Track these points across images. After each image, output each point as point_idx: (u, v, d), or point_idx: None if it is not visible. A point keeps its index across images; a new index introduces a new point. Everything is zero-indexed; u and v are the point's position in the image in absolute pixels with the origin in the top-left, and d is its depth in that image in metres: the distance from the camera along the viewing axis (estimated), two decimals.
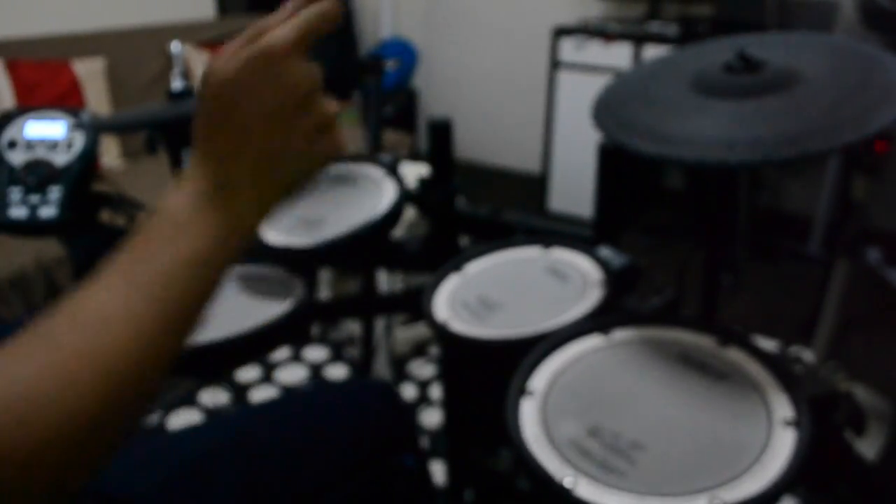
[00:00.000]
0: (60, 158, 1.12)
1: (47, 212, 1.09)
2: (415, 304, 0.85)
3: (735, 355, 0.69)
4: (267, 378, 1.94)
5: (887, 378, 1.44)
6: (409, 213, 1.64)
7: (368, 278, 1.45)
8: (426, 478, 0.82)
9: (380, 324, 1.70)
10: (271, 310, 0.85)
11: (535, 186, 3.15)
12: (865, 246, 1.50)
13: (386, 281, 1.87)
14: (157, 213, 0.43)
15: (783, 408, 0.62)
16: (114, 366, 0.38)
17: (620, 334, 0.74)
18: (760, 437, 0.59)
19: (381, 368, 1.90)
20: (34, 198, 1.10)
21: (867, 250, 1.49)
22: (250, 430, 0.76)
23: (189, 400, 1.83)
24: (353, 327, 2.08)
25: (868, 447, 1.12)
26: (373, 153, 1.61)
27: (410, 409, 1.77)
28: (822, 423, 0.69)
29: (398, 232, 1.39)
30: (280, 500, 0.70)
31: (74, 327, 0.39)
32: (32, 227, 1.10)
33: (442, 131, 1.14)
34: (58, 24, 2.60)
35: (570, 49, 2.85)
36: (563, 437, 0.61)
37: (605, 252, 0.89)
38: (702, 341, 0.72)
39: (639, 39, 2.71)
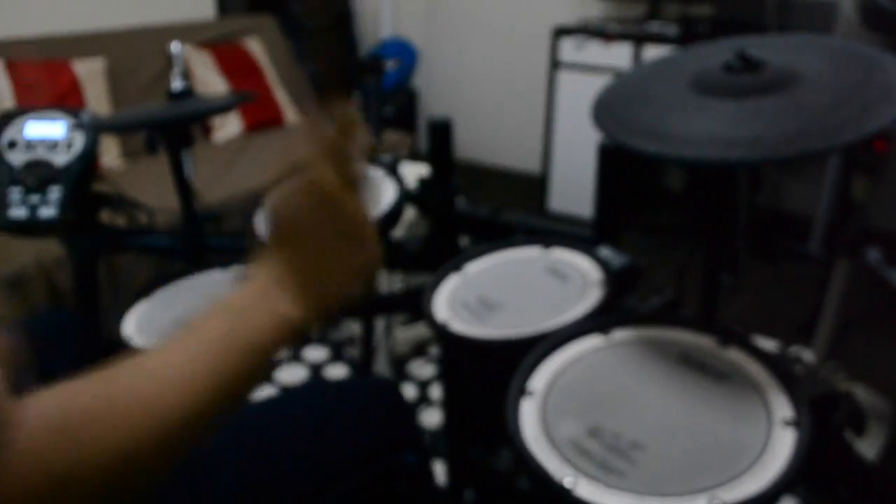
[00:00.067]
0: (60, 158, 1.12)
1: (47, 212, 1.09)
2: (415, 304, 0.85)
3: (735, 355, 0.69)
4: (267, 378, 1.95)
5: (887, 378, 1.44)
6: (409, 213, 1.64)
7: None
8: (428, 475, 0.82)
9: (380, 324, 1.70)
10: None
11: (535, 186, 3.15)
12: (865, 246, 1.50)
13: (386, 281, 1.87)
14: (222, 303, 0.51)
15: (783, 408, 0.62)
16: (168, 416, 0.44)
17: (620, 334, 0.74)
18: (760, 437, 0.59)
19: (381, 368, 1.90)
20: (34, 198, 1.10)
21: (867, 250, 1.49)
22: (252, 427, 0.76)
23: None
24: (353, 327, 2.08)
25: (868, 447, 1.12)
26: (373, 153, 1.60)
27: (412, 407, 1.77)
28: (822, 423, 0.69)
29: (398, 232, 1.39)
30: (282, 498, 0.70)
31: (141, 376, 0.45)
32: (32, 227, 1.10)
33: (442, 131, 1.14)
34: (58, 24, 2.60)
35: (570, 49, 2.85)
36: (563, 437, 0.61)
37: (605, 252, 0.89)
38: (702, 341, 0.72)
39: (639, 39, 2.71)
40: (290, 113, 3.07)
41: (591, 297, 0.82)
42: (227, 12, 3.29)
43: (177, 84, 1.17)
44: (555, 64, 2.90)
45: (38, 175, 1.10)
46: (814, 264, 2.32)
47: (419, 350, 2.06)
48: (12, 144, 1.12)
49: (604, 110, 0.77)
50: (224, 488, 0.68)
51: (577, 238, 0.94)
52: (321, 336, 2.12)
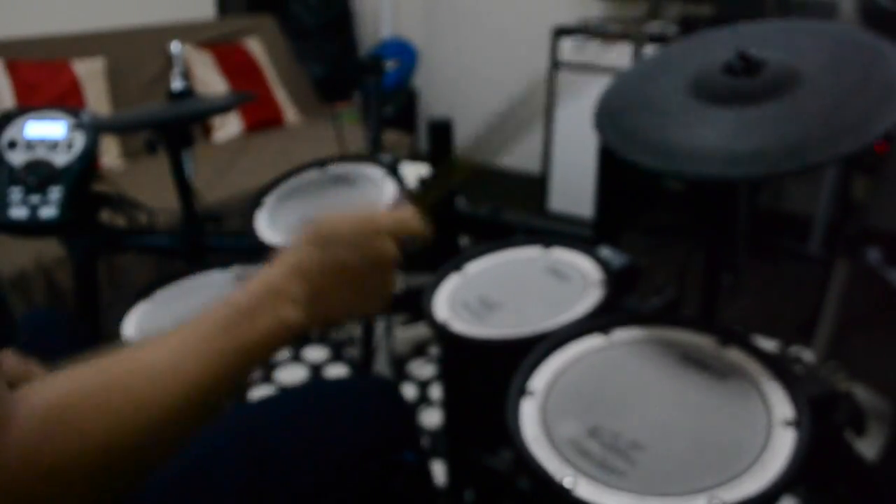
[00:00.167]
0: (60, 158, 1.12)
1: (47, 212, 1.09)
2: (415, 304, 0.85)
3: (735, 355, 0.69)
4: (267, 378, 1.94)
5: (887, 378, 1.44)
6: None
7: None
8: (426, 474, 0.82)
9: (380, 324, 1.70)
10: None
11: (535, 186, 3.15)
12: (865, 246, 1.50)
13: None
14: (231, 297, 0.52)
15: (783, 408, 0.62)
16: (156, 410, 0.44)
17: (621, 334, 0.74)
18: (760, 437, 0.59)
19: (381, 368, 1.90)
20: (34, 198, 1.10)
21: (867, 250, 1.49)
22: (252, 426, 0.76)
23: None
24: (353, 327, 2.08)
25: (868, 447, 1.12)
26: (373, 153, 1.60)
27: (411, 406, 1.77)
28: (822, 423, 0.69)
29: None
30: (282, 496, 0.70)
31: (131, 369, 0.45)
32: (32, 227, 1.10)
33: (442, 131, 1.14)
34: (58, 24, 2.60)
35: (570, 49, 2.85)
36: (563, 437, 0.61)
37: (605, 252, 0.89)
38: (702, 341, 0.72)
39: (639, 39, 2.71)
40: (290, 113, 3.07)
41: (591, 297, 0.82)
42: (227, 12, 3.29)
43: (177, 84, 1.17)
44: (555, 64, 2.90)
45: (39, 175, 1.10)
46: (814, 264, 2.32)
47: (419, 350, 2.06)
48: (12, 144, 1.12)
49: (605, 119, 0.77)
50: (224, 487, 0.68)
51: (577, 238, 0.94)
52: (321, 336, 2.12)
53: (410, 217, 0.60)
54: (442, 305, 0.84)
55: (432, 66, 3.78)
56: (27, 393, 0.40)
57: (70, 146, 1.13)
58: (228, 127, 2.86)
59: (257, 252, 1.00)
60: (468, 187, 1.25)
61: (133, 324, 0.94)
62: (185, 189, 1.20)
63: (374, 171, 1.10)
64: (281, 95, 3.06)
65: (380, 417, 0.80)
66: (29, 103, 2.26)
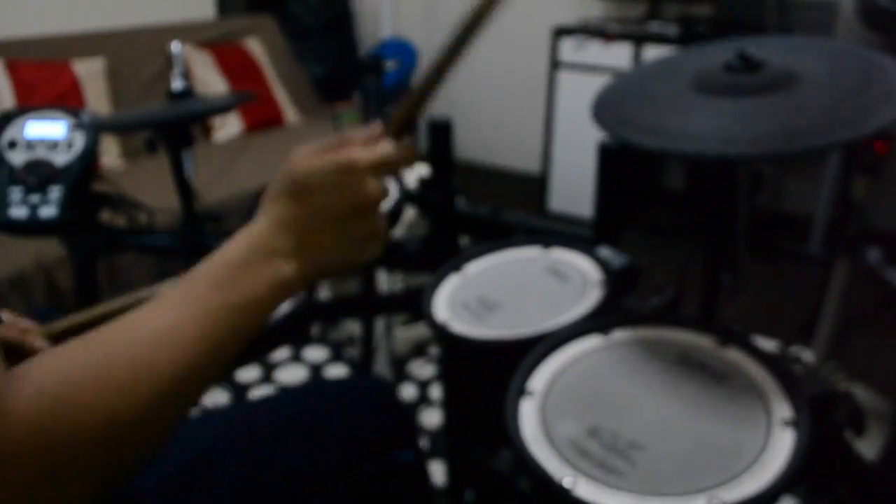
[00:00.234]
0: (60, 158, 1.12)
1: (47, 212, 1.09)
2: (415, 304, 0.85)
3: (735, 355, 0.69)
4: (267, 378, 1.95)
5: (887, 378, 1.44)
6: (409, 213, 1.64)
7: (368, 278, 1.45)
8: (423, 474, 0.82)
9: (380, 324, 1.70)
10: None
11: (535, 186, 3.15)
12: (865, 246, 1.50)
13: (386, 281, 1.87)
14: (218, 255, 0.50)
15: (782, 408, 0.62)
16: (158, 379, 0.43)
17: (620, 334, 0.74)
18: (760, 437, 0.59)
19: (381, 368, 1.90)
20: (34, 198, 1.10)
21: (867, 250, 1.49)
22: (249, 425, 0.76)
23: None
24: (353, 327, 2.08)
25: (868, 447, 1.12)
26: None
27: (408, 406, 1.77)
28: (822, 423, 0.69)
29: (398, 232, 1.39)
30: (278, 496, 0.70)
31: (130, 340, 0.44)
32: (32, 227, 1.10)
33: (442, 131, 1.14)
34: (58, 24, 2.60)
35: (570, 49, 2.85)
36: (563, 437, 0.61)
37: (605, 252, 0.89)
38: (702, 341, 0.72)
39: (639, 39, 2.71)
40: (290, 113, 3.07)
41: (591, 297, 0.82)
42: (227, 12, 3.29)
43: (177, 84, 1.17)
44: (555, 64, 2.90)
45: (39, 175, 1.11)
46: (814, 264, 2.32)
47: (419, 350, 2.06)
48: (12, 144, 1.12)
49: (604, 108, 0.77)
50: (223, 484, 0.69)
51: (577, 238, 0.94)
52: (321, 336, 2.12)
53: (387, 148, 0.55)
54: (442, 306, 0.84)
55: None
56: (28, 370, 0.40)
57: (70, 146, 1.13)
58: (228, 127, 2.86)
59: None
60: (468, 187, 1.25)
61: None
62: (185, 189, 1.20)
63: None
64: (281, 95, 3.06)
65: (376, 417, 0.80)
66: (29, 103, 2.26)
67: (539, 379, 0.69)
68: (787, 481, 0.54)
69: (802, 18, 2.39)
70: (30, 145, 1.13)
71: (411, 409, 1.79)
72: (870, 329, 1.61)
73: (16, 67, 2.37)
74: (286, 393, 0.90)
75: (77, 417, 0.39)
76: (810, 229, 2.44)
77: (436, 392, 1.88)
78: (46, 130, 1.14)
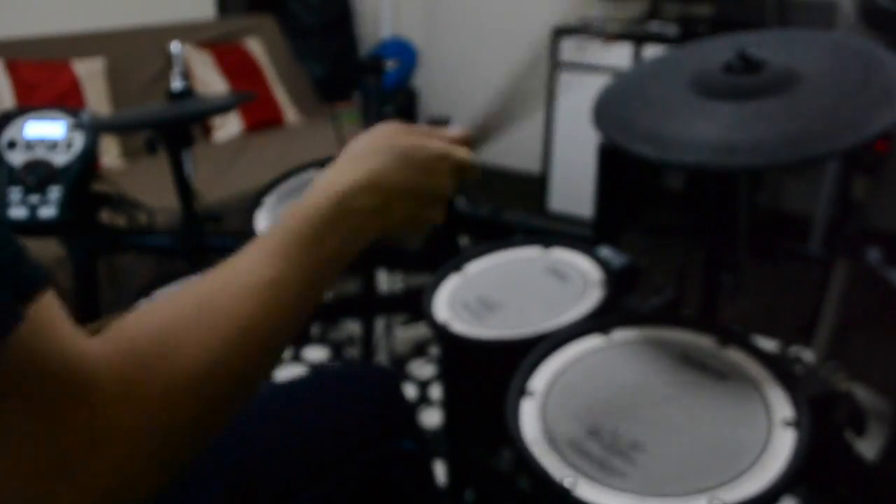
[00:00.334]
0: (60, 158, 1.12)
1: (47, 212, 1.09)
2: (415, 304, 0.85)
3: (735, 355, 0.69)
4: None
5: (887, 378, 1.44)
6: None
7: (368, 278, 1.45)
8: (426, 463, 0.82)
9: (380, 324, 1.70)
10: None
11: (535, 186, 3.15)
12: (865, 246, 1.50)
13: (386, 281, 1.87)
14: (307, 209, 0.51)
15: (783, 408, 0.62)
16: (256, 333, 0.44)
17: (620, 334, 0.74)
18: (760, 437, 0.59)
19: None
20: (34, 198, 1.10)
21: (867, 250, 1.49)
22: (250, 411, 0.76)
23: None
24: (353, 327, 2.08)
25: (868, 447, 1.12)
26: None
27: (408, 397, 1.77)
28: (822, 423, 0.69)
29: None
30: (278, 484, 0.70)
31: (229, 294, 0.45)
32: (32, 228, 1.10)
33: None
34: (58, 24, 2.60)
35: (570, 49, 2.85)
36: (563, 437, 0.61)
37: (605, 252, 0.89)
38: (702, 341, 0.72)
39: (639, 39, 2.71)
40: (290, 113, 3.07)
41: (591, 297, 0.82)
42: (227, 12, 3.29)
43: (177, 84, 1.17)
44: (555, 64, 2.90)
45: (38, 175, 1.11)
46: (814, 264, 2.32)
47: (419, 350, 2.06)
48: (12, 144, 1.12)
49: (604, 113, 0.77)
50: (222, 471, 0.68)
51: (577, 238, 0.94)
52: (321, 336, 2.13)
53: (469, 153, 0.61)
54: (442, 306, 0.84)
55: (432, 66, 3.77)
56: (121, 327, 0.40)
57: (70, 146, 1.13)
58: (228, 127, 2.86)
59: None
60: (468, 187, 1.25)
61: None
62: (185, 189, 1.20)
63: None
64: (281, 95, 3.06)
65: (378, 405, 0.79)
66: (29, 103, 2.26)
67: (539, 379, 0.69)
68: (788, 481, 0.54)
69: (802, 18, 2.39)
70: (29, 145, 1.13)
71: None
72: (870, 329, 1.61)
73: (16, 67, 2.37)
74: (285, 382, 0.90)
75: (168, 371, 0.39)
76: (810, 229, 2.44)
77: (436, 392, 1.88)
78: (46, 130, 1.14)
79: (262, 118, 2.94)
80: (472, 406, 0.94)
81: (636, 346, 0.72)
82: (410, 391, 1.89)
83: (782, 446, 0.58)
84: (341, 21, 3.69)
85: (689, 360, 0.69)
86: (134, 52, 2.73)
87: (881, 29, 1.53)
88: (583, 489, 0.56)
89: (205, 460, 0.68)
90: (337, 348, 2.06)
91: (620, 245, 0.93)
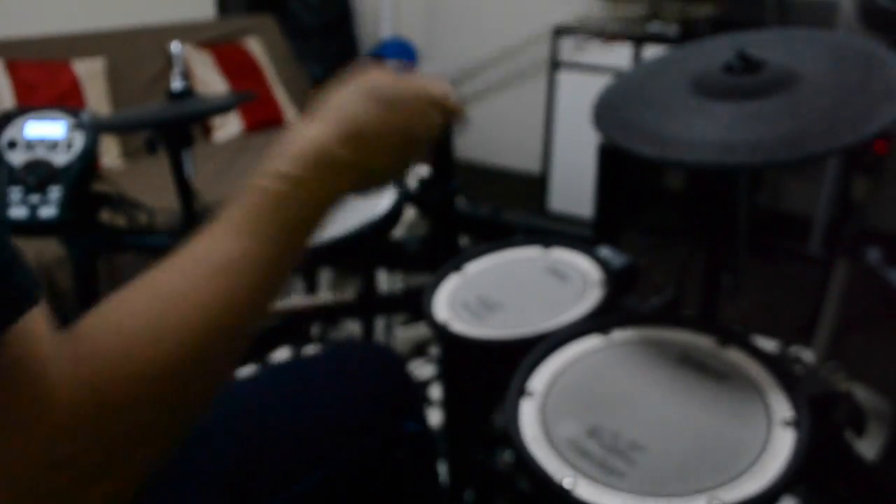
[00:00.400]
0: (60, 158, 1.12)
1: (47, 212, 1.09)
2: (415, 304, 0.85)
3: (735, 355, 0.69)
4: None
5: (887, 378, 1.44)
6: (409, 213, 1.64)
7: (368, 278, 1.45)
8: (430, 444, 0.80)
9: (380, 324, 1.69)
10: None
11: (535, 186, 3.15)
12: (865, 246, 1.50)
13: (386, 281, 1.87)
14: (279, 166, 0.48)
15: (783, 408, 0.62)
16: (217, 315, 0.41)
17: (620, 334, 0.74)
18: (760, 437, 0.59)
19: None
20: (34, 198, 1.10)
21: (867, 250, 1.49)
22: (256, 392, 0.75)
23: None
24: (353, 327, 2.08)
25: (868, 447, 1.12)
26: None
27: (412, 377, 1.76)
28: (822, 423, 0.69)
29: (398, 232, 1.39)
30: (282, 465, 0.69)
31: (185, 277, 0.42)
32: (32, 227, 1.10)
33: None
34: (58, 24, 2.60)
35: (570, 49, 2.85)
36: (563, 437, 0.61)
37: (605, 252, 0.89)
38: (702, 341, 0.72)
39: (639, 39, 2.71)
40: (290, 113, 3.07)
41: (591, 297, 0.82)
42: (227, 12, 3.29)
43: (177, 84, 1.17)
44: (555, 64, 2.90)
45: (38, 175, 1.10)
46: (814, 264, 2.32)
47: (419, 350, 2.07)
48: (12, 144, 1.12)
49: (604, 112, 0.77)
50: (227, 452, 0.68)
51: (577, 238, 0.94)
52: (321, 336, 2.12)
53: (450, 90, 0.59)
54: (442, 305, 0.84)
55: (432, 66, 3.77)
56: (80, 328, 0.38)
57: (70, 146, 1.13)
58: (228, 127, 2.86)
59: None
60: (468, 187, 1.25)
61: None
62: (185, 189, 1.20)
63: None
64: (281, 95, 3.06)
65: (381, 385, 0.78)
66: (29, 103, 2.26)
67: (539, 379, 0.69)
68: (788, 481, 0.54)
69: (803, 18, 2.39)
70: (29, 145, 1.12)
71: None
72: (870, 329, 1.61)
73: (16, 67, 2.37)
74: (287, 363, 0.89)
75: (130, 369, 0.37)
76: (810, 229, 2.44)
77: (436, 392, 1.88)
78: (46, 130, 1.14)
79: (262, 118, 2.94)
80: (471, 406, 0.94)
81: (636, 347, 0.72)
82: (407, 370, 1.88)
83: (782, 446, 0.58)
84: (341, 21, 3.69)
85: (689, 361, 0.69)
86: (134, 52, 2.73)
87: (881, 29, 1.53)
88: (582, 489, 0.56)
89: (209, 441, 0.68)
90: None
91: (620, 245, 0.93)
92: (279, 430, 0.71)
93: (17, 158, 1.11)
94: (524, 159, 3.50)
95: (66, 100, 2.39)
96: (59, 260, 1.82)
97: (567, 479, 0.57)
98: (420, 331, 2.03)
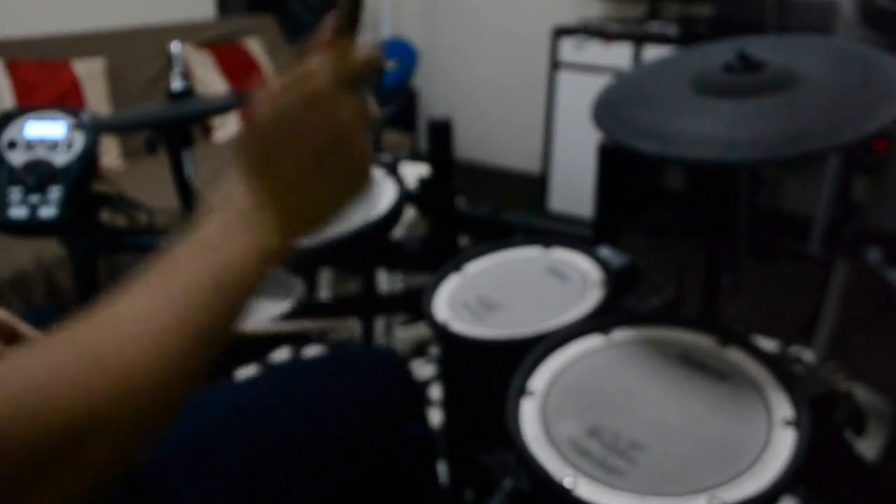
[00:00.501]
0: (60, 158, 1.12)
1: (47, 212, 1.09)
2: (415, 304, 0.85)
3: (735, 355, 0.69)
4: None
5: (887, 378, 1.44)
6: (409, 213, 1.64)
7: (368, 278, 1.45)
8: (432, 447, 0.81)
9: (380, 324, 1.69)
10: (271, 309, 0.85)
11: (535, 186, 3.15)
12: (865, 246, 1.50)
13: (386, 281, 1.87)
14: (189, 231, 0.44)
15: (783, 408, 0.62)
16: (132, 376, 0.39)
17: (620, 334, 0.74)
18: (760, 437, 0.59)
19: None
20: (34, 198, 1.10)
21: (867, 250, 1.49)
22: (260, 396, 0.75)
23: None
24: (353, 327, 2.08)
25: (868, 447, 1.12)
26: (373, 153, 1.60)
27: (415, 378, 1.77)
28: (822, 423, 0.69)
29: (398, 232, 1.39)
30: (286, 470, 0.69)
31: (98, 333, 0.39)
32: (32, 227, 1.10)
33: (442, 131, 1.14)
34: (58, 24, 2.60)
35: (570, 49, 2.85)
36: (563, 436, 0.61)
37: (605, 252, 0.89)
38: (702, 341, 0.72)
39: (639, 39, 2.71)
40: None
41: (591, 297, 0.82)
42: (227, 12, 3.29)
43: (177, 84, 1.17)
44: (555, 64, 2.90)
45: (38, 175, 1.10)
46: (814, 264, 2.32)
47: (419, 350, 2.07)
48: (12, 144, 1.12)
49: (604, 110, 0.77)
50: (233, 456, 0.68)
51: (577, 238, 0.94)
52: (321, 336, 2.12)
53: (346, 50, 0.48)
54: (442, 305, 0.84)
55: (432, 66, 3.77)
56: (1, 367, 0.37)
57: (70, 146, 1.13)
58: (228, 127, 2.86)
59: None
60: (468, 187, 1.25)
61: None
62: (185, 189, 1.20)
63: (373, 171, 1.09)
64: None
65: (386, 389, 0.78)
66: (29, 103, 2.26)
67: (539, 379, 0.69)
68: (788, 481, 0.54)
69: (802, 18, 2.39)
70: (29, 145, 1.12)
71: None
72: (870, 329, 1.61)
73: (16, 67, 2.37)
74: (289, 366, 0.89)
75: (36, 424, 0.36)
76: (810, 229, 2.44)
77: (436, 392, 1.88)
78: (46, 130, 1.14)
79: None
80: (471, 406, 0.94)
81: (636, 346, 0.72)
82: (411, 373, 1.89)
83: (782, 446, 0.58)
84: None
85: (689, 360, 0.69)
86: (134, 52, 2.73)
87: (881, 29, 1.53)
88: (583, 488, 0.56)
89: (210, 446, 0.68)
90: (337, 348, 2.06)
91: (620, 245, 0.93)
92: (283, 434, 0.71)
93: (17, 158, 1.11)
94: (524, 159, 3.50)
95: (66, 100, 2.39)
96: (59, 260, 1.82)
97: (567, 478, 0.57)
98: (420, 331, 2.03)
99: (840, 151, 1.72)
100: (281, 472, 0.68)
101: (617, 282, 0.83)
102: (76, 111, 1.17)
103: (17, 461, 0.35)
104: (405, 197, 1.02)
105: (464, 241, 1.21)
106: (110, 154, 2.51)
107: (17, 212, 1.08)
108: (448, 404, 1.00)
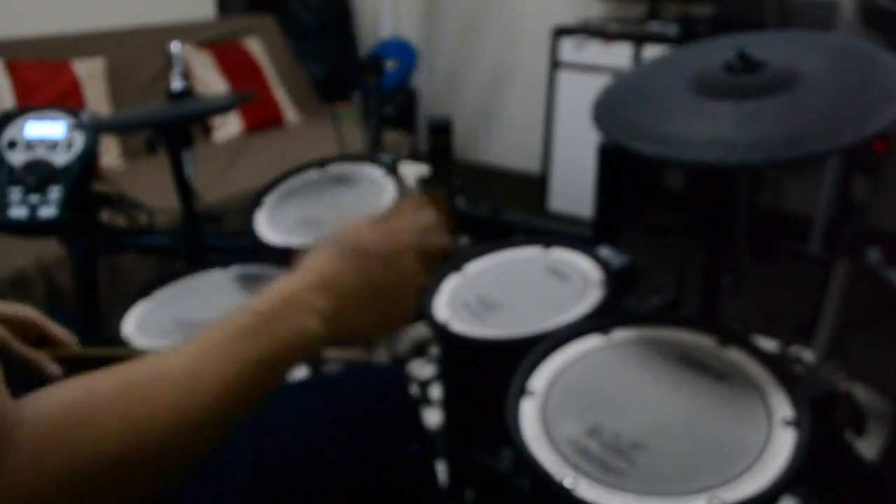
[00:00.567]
0: (60, 158, 1.12)
1: (47, 212, 1.09)
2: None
3: (735, 355, 0.69)
4: None
5: (887, 378, 1.44)
6: None
7: None
8: (432, 467, 0.81)
9: None
10: None
11: (535, 186, 3.15)
12: (865, 246, 1.50)
13: None
14: (251, 304, 0.50)
15: (783, 408, 0.62)
16: (173, 420, 0.44)
17: (620, 334, 0.74)
18: (760, 437, 0.59)
19: None
20: (34, 198, 1.10)
21: (867, 250, 1.49)
22: (258, 418, 0.75)
23: None
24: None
25: (868, 447, 1.12)
26: (373, 153, 1.60)
27: (416, 398, 1.77)
28: (822, 423, 0.69)
29: None
30: (285, 490, 0.69)
31: (149, 377, 0.44)
32: (32, 227, 1.10)
33: (442, 131, 1.14)
34: (58, 24, 2.60)
35: (570, 49, 2.85)
36: (563, 436, 0.61)
37: (605, 252, 0.89)
38: (702, 341, 0.72)
39: (639, 39, 2.71)
40: (290, 113, 3.07)
41: (591, 297, 0.82)
42: (227, 12, 3.29)
43: (177, 84, 1.17)
44: (555, 64, 2.90)
45: (38, 175, 1.11)
46: (814, 264, 2.32)
47: (419, 350, 2.06)
48: (12, 144, 1.12)
49: (604, 111, 0.77)
50: (230, 478, 0.68)
51: (577, 238, 0.94)
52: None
53: (433, 227, 0.60)
54: (442, 305, 0.84)
55: (432, 66, 3.77)
56: (39, 396, 0.40)
57: (70, 146, 1.13)
58: (228, 127, 2.86)
59: (257, 252, 1.00)
60: (468, 187, 1.25)
61: (133, 323, 0.94)
62: (185, 189, 1.20)
63: (374, 172, 1.10)
64: (281, 95, 3.06)
65: (385, 408, 0.79)
66: (29, 103, 2.26)
67: (539, 379, 0.69)
68: (788, 481, 0.54)
69: (802, 18, 2.39)
70: (29, 145, 1.13)
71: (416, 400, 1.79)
72: (870, 329, 1.61)
73: (16, 67, 2.37)
74: (291, 385, 0.89)
75: (85, 447, 0.39)
76: (810, 229, 2.44)
77: (436, 392, 1.88)
78: (46, 130, 1.14)
79: (262, 118, 2.94)
80: (471, 406, 0.94)
81: (636, 346, 0.72)
82: (411, 391, 1.89)
83: (782, 446, 0.58)
84: (341, 21, 3.69)
85: (689, 360, 0.69)
86: (134, 52, 2.73)
87: (881, 29, 1.53)
88: (583, 489, 0.56)
89: (210, 464, 0.68)
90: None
91: (620, 245, 0.93)
92: (286, 452, 0.71)
93: (17, 158, 1.11)
94: (524, 159, 3.50)
95: (66, 100, 2.39)
96: (59, 260, 1.82)
97: (568, 478, 0.57)
98: (420, 331, 2.02)
99: (840, 154, 1.72)
100: (282, 488, 0.69)
101: (617, 282, 0.83)
102: (76, 111, 1.17)
103: (55, 486, 0.38)
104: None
105: (464, 241, 1.21)
106: (110, 154, 2.51)
107: (17, 212, 1.09)
108: (448, 404, 1.00)
